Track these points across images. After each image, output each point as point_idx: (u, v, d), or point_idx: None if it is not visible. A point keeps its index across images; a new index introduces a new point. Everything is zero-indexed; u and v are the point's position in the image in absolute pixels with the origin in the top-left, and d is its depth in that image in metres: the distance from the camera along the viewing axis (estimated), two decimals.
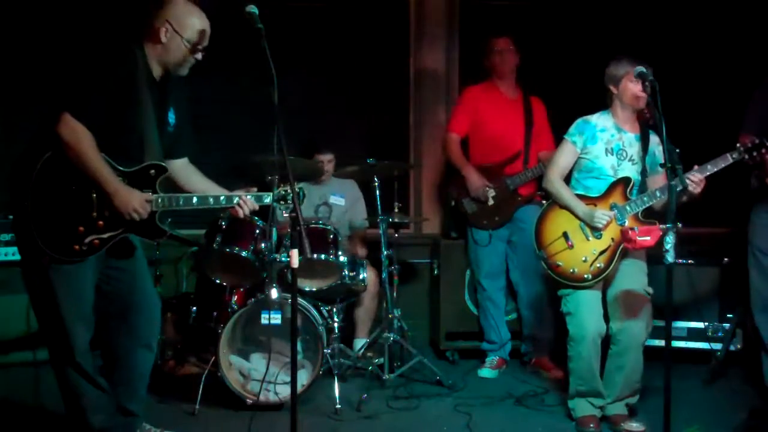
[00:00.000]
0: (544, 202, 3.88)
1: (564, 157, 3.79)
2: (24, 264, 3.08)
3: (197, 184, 3.32)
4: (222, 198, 3.19)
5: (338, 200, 4.96)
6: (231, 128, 5.27)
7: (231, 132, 5.26)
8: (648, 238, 3.12)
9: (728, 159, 3.53)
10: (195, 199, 3.18)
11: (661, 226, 3.09)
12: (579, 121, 3.78)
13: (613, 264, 3.62)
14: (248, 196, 3.20)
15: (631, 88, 3.65)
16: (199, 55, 3.14)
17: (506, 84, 4.82)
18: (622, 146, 3.71)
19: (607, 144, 3.71)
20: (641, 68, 3.48)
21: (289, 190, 3.09)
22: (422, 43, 5.56)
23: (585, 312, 3.66)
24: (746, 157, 3.52)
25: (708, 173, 3.50)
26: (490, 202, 4.71)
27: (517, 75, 4.83)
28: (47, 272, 3.01)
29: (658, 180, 3.72)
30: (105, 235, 3.04)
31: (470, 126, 4.84)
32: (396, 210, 4.56)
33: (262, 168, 3.97)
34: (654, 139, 3.74)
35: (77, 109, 2.91)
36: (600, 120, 3.75)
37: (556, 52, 5.33)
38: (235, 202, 3.18)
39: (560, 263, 3.67)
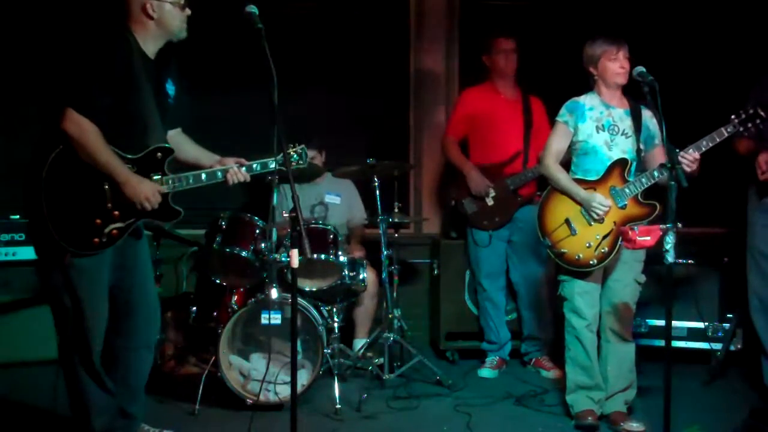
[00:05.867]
0: None
1: (557, 140, 3.76)
2: (43, 264, 3.08)
3: (190, 152, 3.35)
4: (229, 168, 3.26)
5: (334, 199, 4.95)
6: (231, 128, 5.26)
7: (231, 132, 5.25)
8: (648, 238, 3.11)
9: (723, 133, 3.49)
10: (204, 176, 3.23)
11: (661, 226, 3.09)
12: (568, 102, 3.78)
13: (617, 248, 3.60)
14: (245, 168, 3.26)
15: (610, 66, 3.66)
16: (188, 10, 3.14)
17: (506, 84, 4.82)
18: (612, 121, 3.69)
19: (597, 121, 3.69)
20: (641, 68, 3.44)
21: (291, 152, 3.25)
22: (422, 43, 5.56)
23: (581, 298, 3.67)
24: (741, 129, 3.48)
25: (704, 149, 3.48)
26: (490, 202, 4.71)
27: (517, 75, 4.83)
28: (68, 271, 3.00)
29: (656, 155, 3.71)
30: (122, 224, 3.05)
31: (468, 128, 4.83)
32: (396, 210, 4.56)
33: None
34: (646, 113, 3.72)
35: (79, 103, 2.92)
36: (587, 99, 3.75)
37: (556, 52, 5.33)
38: (219, 176, 3.24)
39: (565, 250, 3.66)
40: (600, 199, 3.61)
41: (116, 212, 3.03)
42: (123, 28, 3.08)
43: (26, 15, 5.07)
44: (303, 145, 3.45)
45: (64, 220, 2.96)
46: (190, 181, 3.18)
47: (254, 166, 3.29)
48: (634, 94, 3.69)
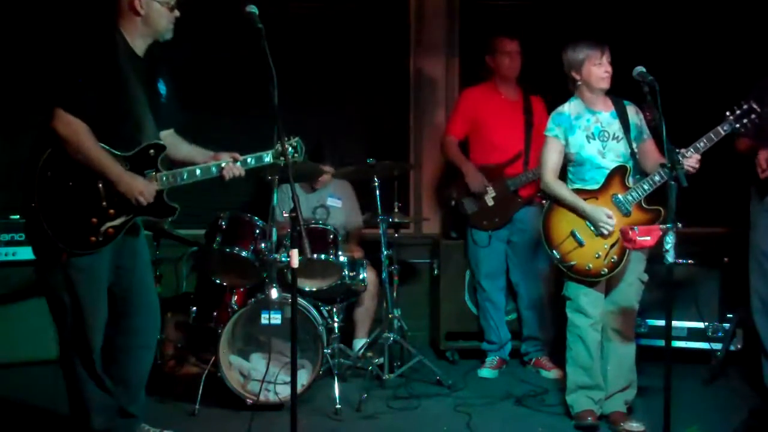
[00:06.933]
0: (544, 203, 3.85)
1: (552, 155, 3.73)
2: (41, 264, 3.09)
3: (183, 150, 3.35)
4: (223, 164, 3.27)
5: (335, 202, 4.96)
6: (231, 128, 5.26)
7: (231, 131, 5.25)
8: (648, 238, 3.11)
9: (720, 132, 3.48)
10: (198, 171, 3.23)
11: (661, 226, 3.09)
12: (553, 114, 3.75)
13: (626, 255, 3.59)
14: (239, 163, 3.27)
15: (595, 71, 3.64)
16: (176, 12, 3.14)
17: (507, 85, 4.81)
18: (601, 127, 3.67)
19: (586, 130, 3.67)
20: (641, 68, 3.40)
21: (288, 146, 3.19)
22: (422, 44, 5.56)
23: (585, 297, 3.66)
24: (737, 125, 3.46)
25: (702, 150, 3.47)
26: (490, 202, 4.71)
27: (518, 75, 4.83)
28: (66, 270, 3.01)
29: (648, 149, 3.68)
30: (118, 222, 3.05)
31: (469, 128, 4.83)
32: (396, 210, 4.56)
33: (262, 168, 3.97)
34: (630, 110, 3.71)
35: (69, 103, 2.93)
36: (572, 108, 3.72)
37: (557, 52, 5.32)
38: (213, 171, 3.24)
39: (574, 262, 3.64)
40: (606, 216, 3.58)
41: (112, 210, 3.04)
42: (111, 26, 3.09)
43: (27, 16, 5.07)
44: (297, 137, 3.45)
45: (60, 220, 2.97)
46: (185, 176, 3.18)
47: (249, 160, 3.30)
48: (634, 94, 3.68)
